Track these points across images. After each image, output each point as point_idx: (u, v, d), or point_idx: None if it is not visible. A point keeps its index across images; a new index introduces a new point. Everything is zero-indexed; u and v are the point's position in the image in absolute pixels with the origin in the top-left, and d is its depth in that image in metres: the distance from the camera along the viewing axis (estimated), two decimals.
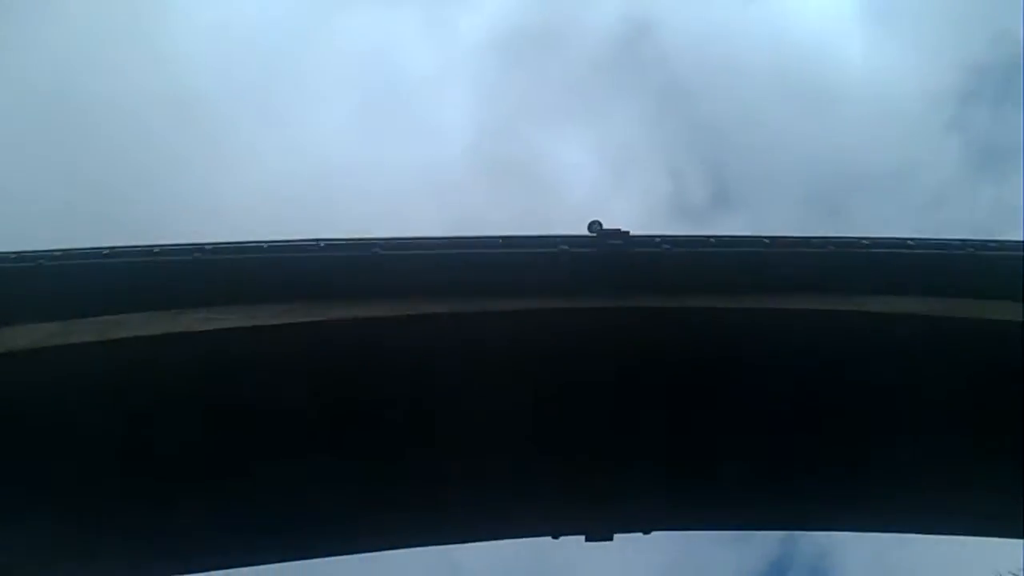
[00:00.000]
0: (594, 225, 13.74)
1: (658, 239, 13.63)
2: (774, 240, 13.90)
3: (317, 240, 13.23)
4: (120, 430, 12.54)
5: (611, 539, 15.68)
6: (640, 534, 15.82)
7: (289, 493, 13.63)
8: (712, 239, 13.87)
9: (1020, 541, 15.74)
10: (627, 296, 13.13)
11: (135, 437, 12.65)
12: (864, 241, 14.16)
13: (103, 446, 12.60)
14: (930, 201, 44.43)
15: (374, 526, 14.45)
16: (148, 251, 13.06)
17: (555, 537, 15.64)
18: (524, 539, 16.01)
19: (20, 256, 12.73)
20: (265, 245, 13.19)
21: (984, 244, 14.32)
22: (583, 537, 15.62)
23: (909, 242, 14.15)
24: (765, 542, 40.35)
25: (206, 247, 13.04)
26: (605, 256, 13.27)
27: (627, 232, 13.54)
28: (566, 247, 13.31)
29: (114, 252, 12.94)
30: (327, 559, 15.07)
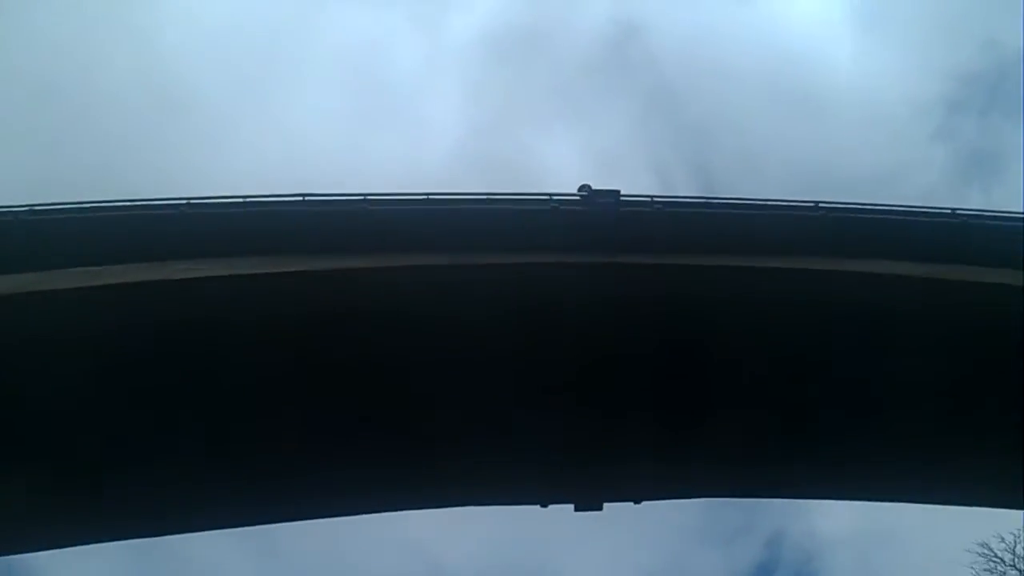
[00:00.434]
0: (584, 187, 13.64)
1: (650, 198, 13.52)
2: (767, 203, 13.81)
3: (302, 195, 13.01)
4: (95, 383, 12.29)
5: (600, 508, 15.47)
6: (631, 503, 15.57)
7: (269, 449, 13.36)
8: (705, 200, 13.77)
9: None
10: (618, 253, 12.95)
11: (113, 388, 12.40)
12: (856, 207, 14.12)
13: (79, 397, 12.34)
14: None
15: (354, 487, 14.17)
16: (133, 205, 12.89)
17: (544, 505, 15.43)
18: (513, 506, 15.74)
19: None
20: (250, 200, 12.98)
21: (978, 214, 14.33)
22: (572, 507, 15.42)
23: (901, 209, 14.10)
24: (751, 544, 40.48)
25: (193, 200, 12.87)
26: (596, 214, 13.11)
27: (618, 191, 13.42)
28: (556, 204, 13.16)
29: (97, 207, 12.76)
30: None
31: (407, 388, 13.25)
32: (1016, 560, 21.64)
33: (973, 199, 45.23)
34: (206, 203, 12.93)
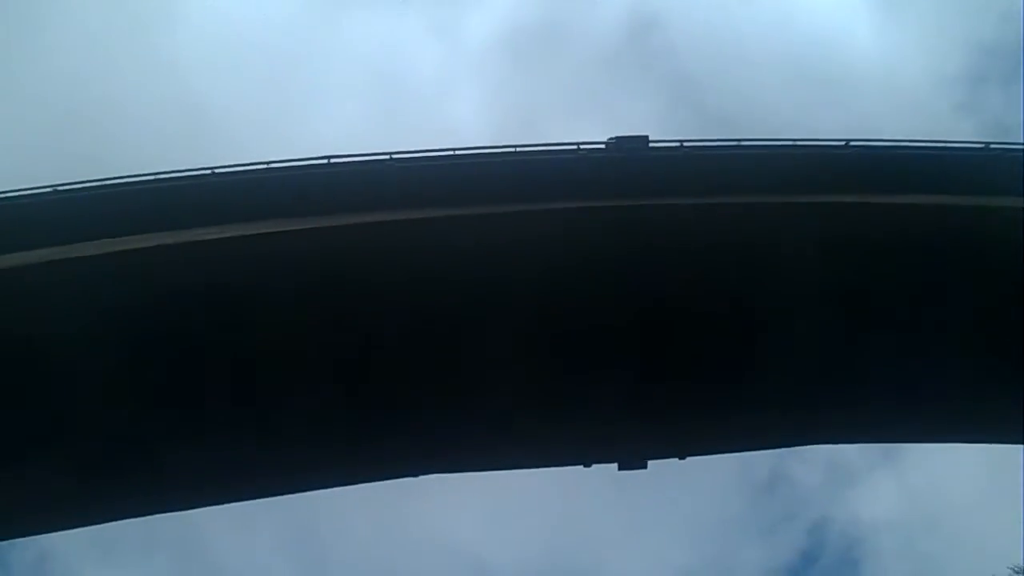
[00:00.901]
0: (611, 140, 13.49)
1: (679, 143, 13.31)
2: (798, 144, 13.58)
3: (327, 157, 12.89)
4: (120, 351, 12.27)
5: (645, 467, 15.21)
6: (676, 459, 15.26)
7: (303, 413, 13.19)
8: (735, 143, 13.53)
9: None
10: (649, 196, 12.74)
11: (142, 357, 12.35)
12: (886, 145, 13.87)
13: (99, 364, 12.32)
14: None
15: (382, 450, 13.92)
16: (155, 179, 12.82)
17: (587, 465, 15.16)
18: (556, 468, 15.47)
19: (19, 194, 12.56)
20: (273, 165, 12.90)
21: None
22: (616, 466, 15.16)
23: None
24: (793, 534, 39.83)
25: (216, 170, 12.79)
26: (624, 159, 12.92)
27: (646, 136, 13.24)
28: (584, 152, 12.99)
29: (115, 184, 12.71)
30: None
31: (442, 345, 13.07)
32: None
33: None
34: (231, 172, 12.86)
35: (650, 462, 15.23)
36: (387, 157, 12.89)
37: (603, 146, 13.22)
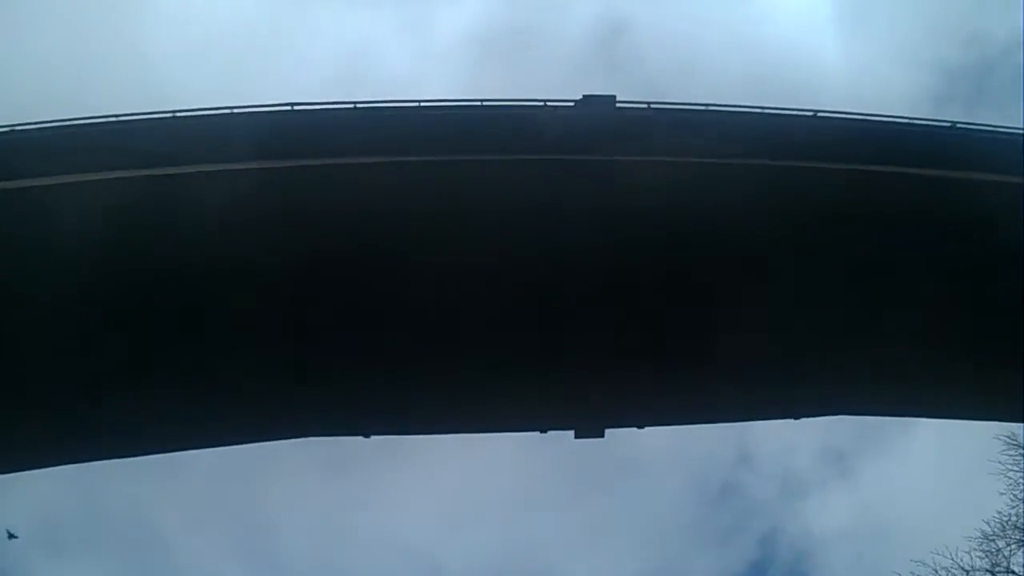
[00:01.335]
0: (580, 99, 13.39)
1: (646, 104, 13.23)
2: (763, 110, 13.53)
3: (291, 104, 12.61)
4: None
5: (602, 435, 15.08)
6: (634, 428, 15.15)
7: (269, 362, 12.93)
8: (704, 107, 13.47)
9: None
10: (616, 154, 12.64)
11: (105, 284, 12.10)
12: (854, 118, 13.92)
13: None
14: None
15: (346, 403, 13.69)
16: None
17: (543, 431, 15.02)
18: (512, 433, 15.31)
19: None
20: (236, 110, 12.63)
21: (978, 127, 14.13)
22: (572, 433, 15.02)
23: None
24: (745, 544, 39.93)
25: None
26: (592, 115, 12.82)
27: (614, 96, 13.15)
28: (551, 107, 12.86)
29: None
30: None
31: (407, 294, 12.85)
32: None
33: None
34: (193, 115, 12.64)
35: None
36: (351, 106, 12.74)
37: (571, 104, 13.14)
